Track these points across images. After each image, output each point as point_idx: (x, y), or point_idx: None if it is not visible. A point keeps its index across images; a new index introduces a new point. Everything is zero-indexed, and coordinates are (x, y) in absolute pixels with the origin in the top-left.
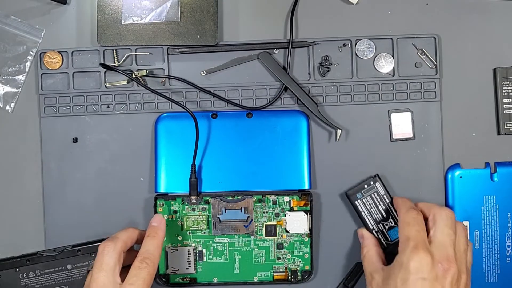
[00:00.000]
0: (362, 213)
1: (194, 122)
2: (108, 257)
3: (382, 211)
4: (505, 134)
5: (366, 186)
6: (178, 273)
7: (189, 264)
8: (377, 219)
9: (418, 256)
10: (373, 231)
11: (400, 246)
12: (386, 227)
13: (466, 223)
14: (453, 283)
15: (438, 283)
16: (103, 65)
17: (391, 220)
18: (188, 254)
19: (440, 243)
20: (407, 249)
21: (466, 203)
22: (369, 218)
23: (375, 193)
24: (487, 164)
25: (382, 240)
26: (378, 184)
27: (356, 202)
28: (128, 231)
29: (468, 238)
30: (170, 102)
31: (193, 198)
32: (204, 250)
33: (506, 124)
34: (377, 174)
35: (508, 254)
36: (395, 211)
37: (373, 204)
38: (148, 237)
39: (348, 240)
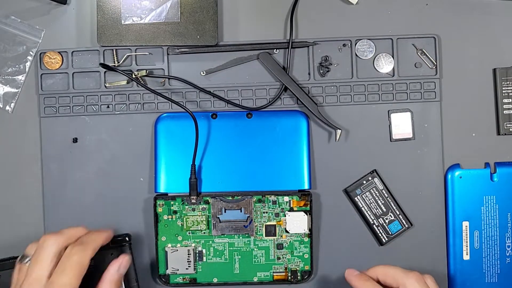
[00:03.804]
0: (362, 208)
1: (194, 122)
2: (48, 250)
3: (382, 206)
4: (505, 134)
5: (365, 182)
6: (178, 273)
7: (189, 264)
8: (377, 214)
9: None
10: (374, 226)
11: None
12: (386, 221)
13: (466, 223)
14: None
15: None
16: (103, 65)
17: (391, 214)
18: (188, 254)
19: None
20: None
21: (466, 203)
22: (369, 213)
23: (374, 188)
24: (487, 164)
25: (382, 235)
26: (376, 180)
27: (356, 198)
28: (76, 229)
29: (436, 282)
30: (170, 102)
31: (193, 198)
32: (204, 250)
33: (506, 124)
34: (375, 170)
35: (508, 254)
36: (394, 204)
37: (372, 199)
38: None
39: (348, 240)
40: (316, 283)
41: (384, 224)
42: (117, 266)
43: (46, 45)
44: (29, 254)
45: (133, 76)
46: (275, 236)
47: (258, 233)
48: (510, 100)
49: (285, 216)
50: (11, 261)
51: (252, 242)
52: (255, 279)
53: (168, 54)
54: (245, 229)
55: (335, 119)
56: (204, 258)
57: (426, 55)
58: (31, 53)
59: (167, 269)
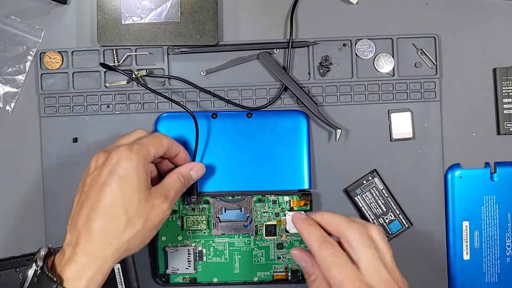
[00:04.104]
0: (362, 208)
1: (194, 122)
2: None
3: (382, 205)
4: (505, 134)
5: (365, 181)
6: (178, 273)
7: (189, 264)
8: (377, 214)
9: None
10: None
11: (334, 285)
12: (387, 221)
13: (466, 223)
14: None
15: None
16: (103, 65)
17: (391, 213)
18: (188, 254)
19: (371, 269)
20: None
21: (466, 203)
22: (370, 213)
23: (374, 188)
24: (487, 164)
25: None
26: (376, 179)
27: (356, 198)
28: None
29: (383, 234)
30: (170, 102)
31: (193, 198)
32: (204, 250)
33: (506, 124)
34: (375, 169)
35: (508, 254)
36: (394, 204)
37: (372, 199)
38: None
39: None
40: None
41: (384, 224)
42: (192, 166)
43: (46, 45)
44: None
45: (133, 76)
46: (275, 236)
47: (258, 233)
48: (510, 100)
49: (285, 215)
50: (11, 261)
51: (252, 242)
52: (255, 279)
53: (168, 54)
54: (245, 229)
55: (335, 119)
56: (204, 258)
57: (426, 55)
58: (31, 53)
59: (167, 269)
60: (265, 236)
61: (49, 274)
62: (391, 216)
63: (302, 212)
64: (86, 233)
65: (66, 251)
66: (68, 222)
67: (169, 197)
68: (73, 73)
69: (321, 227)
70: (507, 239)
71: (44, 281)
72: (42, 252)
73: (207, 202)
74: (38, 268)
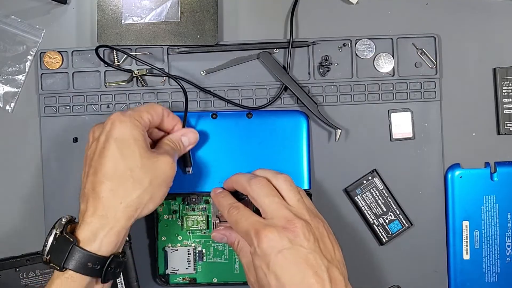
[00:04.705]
0: (362, 208)
1: (183, 91)
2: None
3: (382, 205)
4: (505, 134)
5: (365, 181)
6: (178, 273)
7: (189, 264)
8: (377, 214)
9: (263, 235)
10: (374, 225)
11: (247, 243)
12: (387, 221)
13: (466, 222)
14: (307, 236)
15: (295, 245)
16: (100, 57)
17: (391, 213)
18: (188, 254)
19: (271, 213)
20: (252, 239)
21: (466, 203)
22: (369, 213)
23: (374, 188)
24: (487, 164)
25: (382, 234)
26: (376, 179)
27: (356, 198)
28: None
29: (289, 182)
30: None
31: (188, 169)
32: (204, 250)
33: (506, 124)
34: (375, 169)
35: (508, 254)
36: (394, 204)
37: (372, 199)
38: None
39: (348, 240)
40: None
41: (384, 223)
42: (183, 132)
43: (46, 45)
44: None
45: (134, 75)
46: None
47: None
48: (510, 99)
49: None
50: (11, 261)
51: None
52: None
53: (168, 53)
54: None
55: (335, 119)
56: (204, 258)
57: (426, 54)
58: (31, 52)
59: (167, 269)
60: None
61: (67, 236)
62: (391, 216)
63: (218, 187)
64: (94, 198)
65: (80, 219)
66: (79, 195)
67: (169, 152)
68: (73, 73)
69: (237, 190)
70: (507, 239)
71: (62, 243)
72: (64, 220)
73: (207, 202)
74: (58, 232)
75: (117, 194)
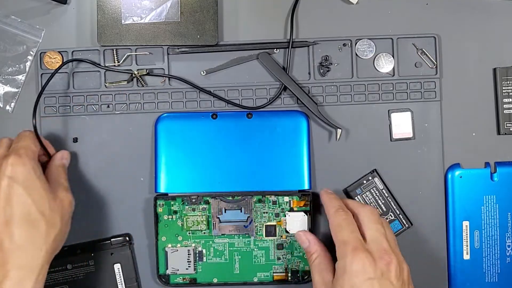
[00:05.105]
0: None
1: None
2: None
3: (382, 206)
4: (505, 134)
5: (365, 181)
6: (178, 273)
7: (189, 264)
8: None
9: (359, 257)
10: None
11: (338, 252)
12: (387, 221)
13: (466, 222)
14: (398, 275)
15: (385, 279)
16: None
17: (391, 213)
18: (188, 254)
19: (374, 239)
20: (347, 253)
21: (466, 203)
22: None
23: (374, 188)
24: (487, 164)
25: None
26: (376, 179)
27: (356, 198)
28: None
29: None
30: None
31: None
32: (204, 251)
33: (506, 124)
34: (375, 169)
35: (508, 254)
36: (394, 204)
37: (372, 199)
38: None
39: None
40: None
41: None
42: (61, 154)
43: (46, 45)
44: None
45: (134, 74)
46: (275, 236)
47: (258, 233)
48: (510, 99)
49: (285, 216)
50: None
51: (252, 242)
52: (255, 279)
53: (168, 53)
54: (245, 229)
55: (335, 119)
56: (204, 258)
57: (426, 54)
58: (31, 52)
59: (167, 269)
60: (265, 236)
61: None
62: (391, 216)
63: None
64: (12, 249)
65: (0, 274)
66: None
67: (65, 185)
68: (73, 73)
69: None
70: (507, 239)
71: None
72: None
73: (207, 202)
74: None
75: (36, 241)
